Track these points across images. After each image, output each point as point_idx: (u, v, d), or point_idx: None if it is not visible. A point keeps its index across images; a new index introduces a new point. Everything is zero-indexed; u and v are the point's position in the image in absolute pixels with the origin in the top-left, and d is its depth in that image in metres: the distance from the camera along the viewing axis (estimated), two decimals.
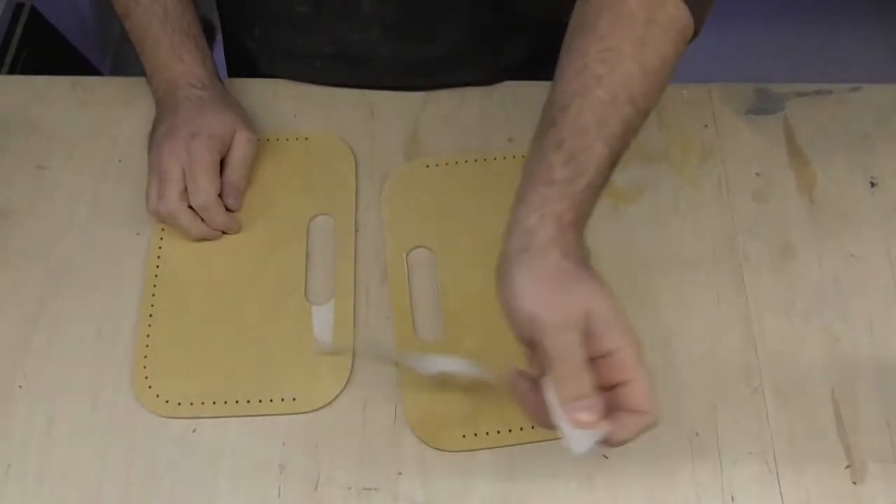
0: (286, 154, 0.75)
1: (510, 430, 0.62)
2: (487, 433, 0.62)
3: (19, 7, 1.25)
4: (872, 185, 0.74)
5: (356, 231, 0.71)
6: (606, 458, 0.62)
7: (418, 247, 0.71)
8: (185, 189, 0.67)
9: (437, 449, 0.62)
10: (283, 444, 0.62)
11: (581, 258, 0.50)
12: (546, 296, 0.48)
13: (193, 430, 0.63)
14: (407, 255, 0.70)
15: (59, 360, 0.65)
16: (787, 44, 1.81)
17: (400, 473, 0.61)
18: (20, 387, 0.64)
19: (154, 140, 0.70)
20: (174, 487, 0.60)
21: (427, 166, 0.74)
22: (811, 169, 0.75)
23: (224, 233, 0.70)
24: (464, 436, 0.62)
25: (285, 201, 0.72)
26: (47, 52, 1.30)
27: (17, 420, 0.63)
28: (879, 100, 0.79)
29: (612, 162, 0.53)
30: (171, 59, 0.71)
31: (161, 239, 0.70)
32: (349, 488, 0.60)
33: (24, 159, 0.75)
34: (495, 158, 0.75)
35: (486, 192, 0.73)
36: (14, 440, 0.62)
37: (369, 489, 0.60)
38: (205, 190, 0.67)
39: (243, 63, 0.84)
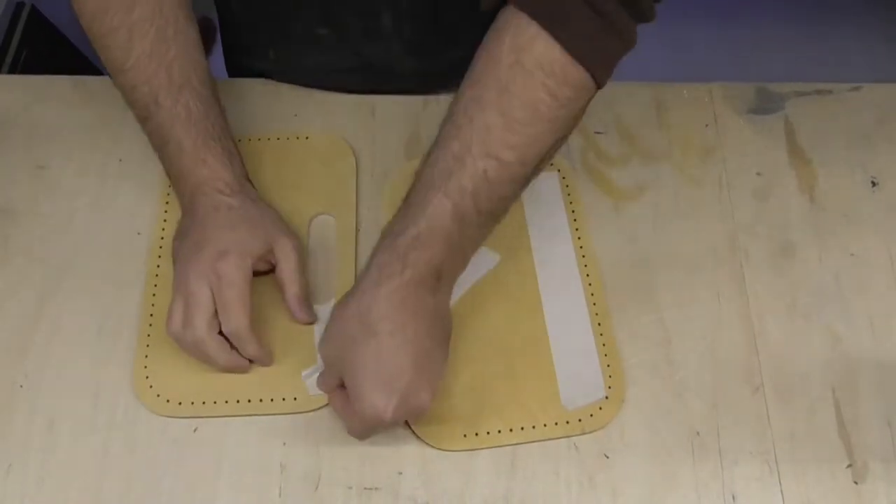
0: (287, 154, 0.75)
1: (511, 430, 0.62)
2: (488, 433, 0.62)
3: (20, 7, 1.25)
4: (873, 184, 0.74)
5: (357, 231, 0.71)
6: (607, 457, 0.62)
7: None
8: (215, 314, 0.61)
9: (439, 448, 0.62)
10: (284, 443, 0.62)
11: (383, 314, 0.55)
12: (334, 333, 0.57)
13: (194, 430, 0.63)
14: None
15: (60, 360, 0.65)
16: (787, 43, 1.81)
17: (401, 473, 0.61)
18: (21, 386, 0.64)
19: (180, 254, 0.64)
20: (175, 487, 0.60)
21: None
22: (812, 168, 0.75)
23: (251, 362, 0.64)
24: (465, 435, 0.62)
25: (286, 201, 0.72)
26: (48, 52, 1.30)
27: (18, 420, 0.63)
28: (880, 99, 0.79)
29: (462, 215, 0.54)
30: (195, 163, 0.64)
31: (162, 238, 0.70)
32: (350, 488, 0.60)
33: (25, 159, 0.75)
34: None
35: None
36: (15, 440, 0.62)
37: (370, 489, 0.60)
38: (237, 317, 0.61)
39: (246, 73, 0.84)
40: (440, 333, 0.58)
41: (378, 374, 0.55)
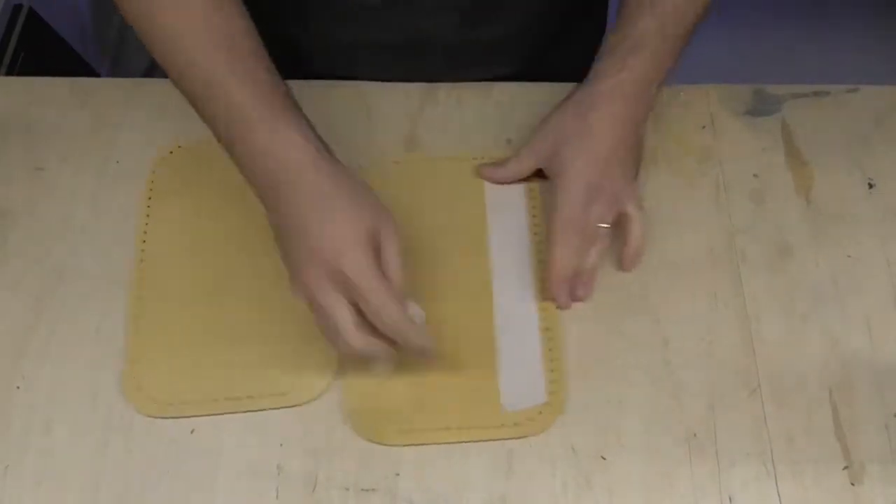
0: None
1: (448, 429, 0.62)
2: (424, 430, 0.62)
3: (17, 8, 1.25)
4: (870, 186, 0.74)
5: None
6: (604, 459, 0.62)
7: None
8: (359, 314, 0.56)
9: (372, 442, 0.62)
10: (281, 444, 0.62)
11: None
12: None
13: (192, 431, 0.63)
14: None
15: (58, 361, 0.65)
16: (784, 45, 1.81)
17: (398, 474, 0.61)
18: (18, 388, 0.64)
19: (290, 259, 0.58)
20: (172, 488, 0.60)
21: (396, 162, 0.74)
22: (809, 170, 0.75)
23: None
24: (400, 431, 0.62)
25: None
26: (45, 54, 1.30)
27: (16, 421, 0.63)
28: (877, 101, 0.79)
29: (664, 33, 0.67)
30: (275, 138, 0.57)
31: (145, 232, 0.70)
32: (347, 489, 0.60)
33: (23, 160, 0.75)
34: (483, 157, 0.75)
35: (447, 190, 0.73)
36: (12, 441, 0.62)
37: (367, 490, 0.60)
38: (391, 310, 0.55)
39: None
40: (637, 146, 0.70)
41: (582, 151, 0.67)
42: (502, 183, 0.72)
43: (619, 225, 0.68)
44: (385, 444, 0.62)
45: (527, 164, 0.71)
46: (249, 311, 0.67)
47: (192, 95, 0.60)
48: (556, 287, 0.66)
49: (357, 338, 0.56)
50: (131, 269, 0.69)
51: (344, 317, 0.55)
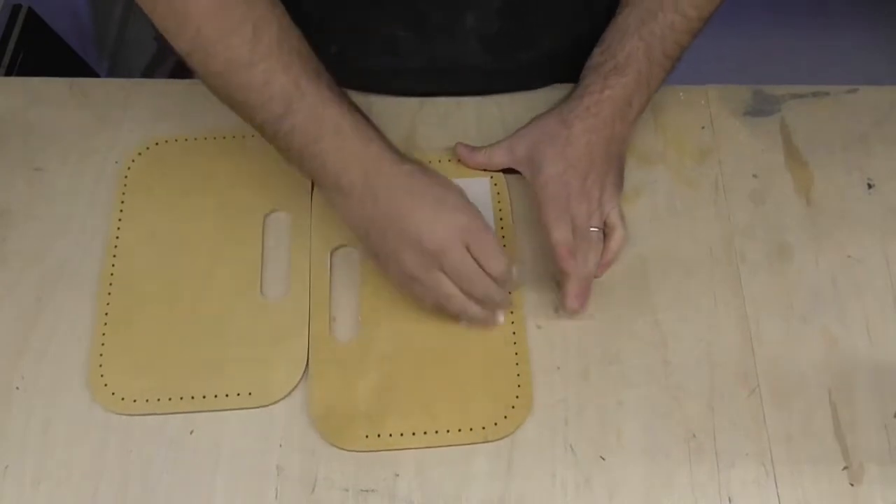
0: (245, 151, 0.74)
1: (413, 434, 0.62)
2: (391, 435, 0.62)
3: (16, 8, 1.25)
4: (869, 186, 0.74)
5: (311, 227, 0.70)
6: (604, 459, 0.62)
7: (343, 246, 0.70)
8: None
9: (338, 447, 0.62)
10: (281, 445, 0.62)
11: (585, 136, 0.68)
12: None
13: (191, 432, 0.63)
14: (331, 253, 0.70)
15: (56, 362, 0.65)
16: (784, 45, 1.81)
17: (397, 475, 0.61)
18: (17, 388, 0.64)
19: (394, 245, 0.61)
20: (171, 489, 0.60)
21: None
22: (808, 170, 0.75)
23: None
24: (367, 436, 0.62)
25: (242, 198, 0.72)
26: (44, 54, 1.30)
27: (15, 421, 0.63)
28: (876, 101, 0.79)
29: (650, 54, 0.68)
30: (363, 143, 0.61)
31: (117, 238, 0.70)
32: (346, 490, 0.60)
33: (21, 161, 0.74)
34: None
35: None
36: (11, 441, 0.62)
37: (366, 491, 0.60)
38: (500, 260, 0.61)
39: None
40: (616, 161, 0.70)
41: (562, 155, 0.67)
42: (469, 166, 0.74)
43: (604, 234, 0.69)
44: (351, 450, 0.62)
45: (498, 159, 0.73)
46: (218, 311, 0.67)
47: (265, 109, 0.60)
48: (565, 263, 0.65)
49: (461, 306, 0.63)
50: (103, 266, 0.69)
51: (448, 290, 0.62)
